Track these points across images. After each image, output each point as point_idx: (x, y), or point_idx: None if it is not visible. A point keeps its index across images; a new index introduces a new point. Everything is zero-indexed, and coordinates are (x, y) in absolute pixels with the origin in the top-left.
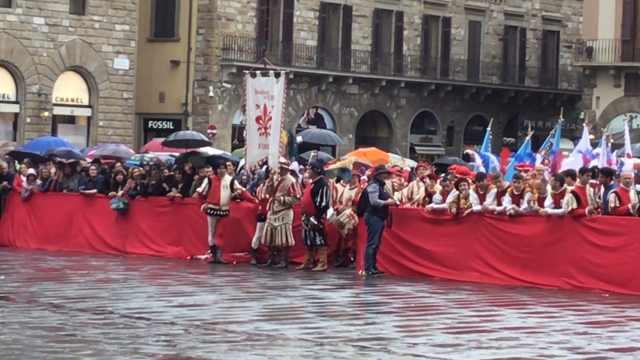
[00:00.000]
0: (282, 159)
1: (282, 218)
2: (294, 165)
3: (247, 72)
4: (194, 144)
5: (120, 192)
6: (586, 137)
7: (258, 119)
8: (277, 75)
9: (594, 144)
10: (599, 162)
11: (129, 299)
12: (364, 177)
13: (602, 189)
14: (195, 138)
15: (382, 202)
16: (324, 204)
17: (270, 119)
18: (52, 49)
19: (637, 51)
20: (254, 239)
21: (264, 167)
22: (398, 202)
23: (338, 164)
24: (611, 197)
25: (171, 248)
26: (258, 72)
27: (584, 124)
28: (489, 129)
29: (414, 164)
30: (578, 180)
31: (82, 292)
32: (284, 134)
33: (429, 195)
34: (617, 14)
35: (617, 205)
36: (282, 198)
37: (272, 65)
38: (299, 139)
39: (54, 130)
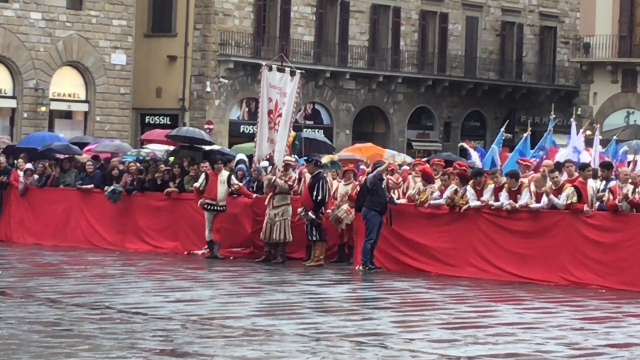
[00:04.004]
0: (288, 157)
1: (281, 213)
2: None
3: (264, 64)
4: (196, 142)
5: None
6: (573, 133)
7: (269, 112)
8: (293, 73)
9: (590, 140)
10: (590, 159)
11: (126, 294)
12: (363, 167)
13: (603, 182)
14: (197, 137)
15: (374, 173)
16: (320, 197)
17: (280, 115)
18: (49, 44)
19: (635, 47)
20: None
21: (264, 162)
22: (394, 184)
23: (325, 159)
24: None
25: (168, 243)
26: (274, 66)
27: (572, 120)
28: (502, 129)
29: (409, 159)
30: (580, 175)
31: (79, 287)
32: (292, 135)
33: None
34: (615, 10)
35: (610, 198)
36: (279, 181)
37: (289, 62)
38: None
39: (50, 125)
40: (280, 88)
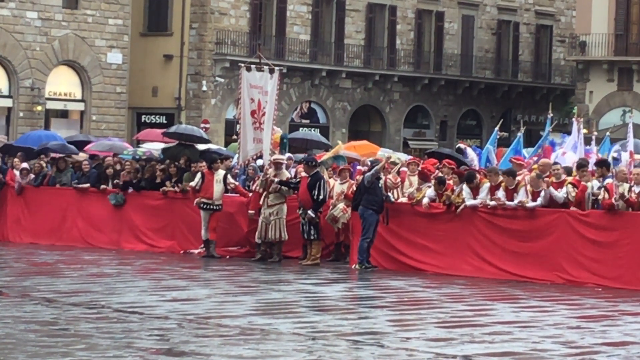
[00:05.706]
0: (277, 155)
1: (276, 212)
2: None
3: (242, 65)
4: (192, 140)
5: (111, 186)
6: (575, 132)
7: (253, 112)
8: (272, 71)
9: (588, 139)
10: (576, 157)
11: (122, 293)
12: (359, 167)
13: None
14: (194, 134)
15: (372, 171)
16: (321, 197)
17: (264, 114)
18: (45, 43)
19: (631, 45)
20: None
21: (260, 161)
22: (392, 179)
23: (330, 153)
24: (602, 190)
25: (164, 242)
26: (253, 66)
27: (573, 119)
28: (497, 128)
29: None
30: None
31: (75, 286)
32: (277, 135)
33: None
34: (610, 8)
35: (606, 197)
36: (278, 186)
37: (266, 61)
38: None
39: (46, 124)
40: (262, 87)
